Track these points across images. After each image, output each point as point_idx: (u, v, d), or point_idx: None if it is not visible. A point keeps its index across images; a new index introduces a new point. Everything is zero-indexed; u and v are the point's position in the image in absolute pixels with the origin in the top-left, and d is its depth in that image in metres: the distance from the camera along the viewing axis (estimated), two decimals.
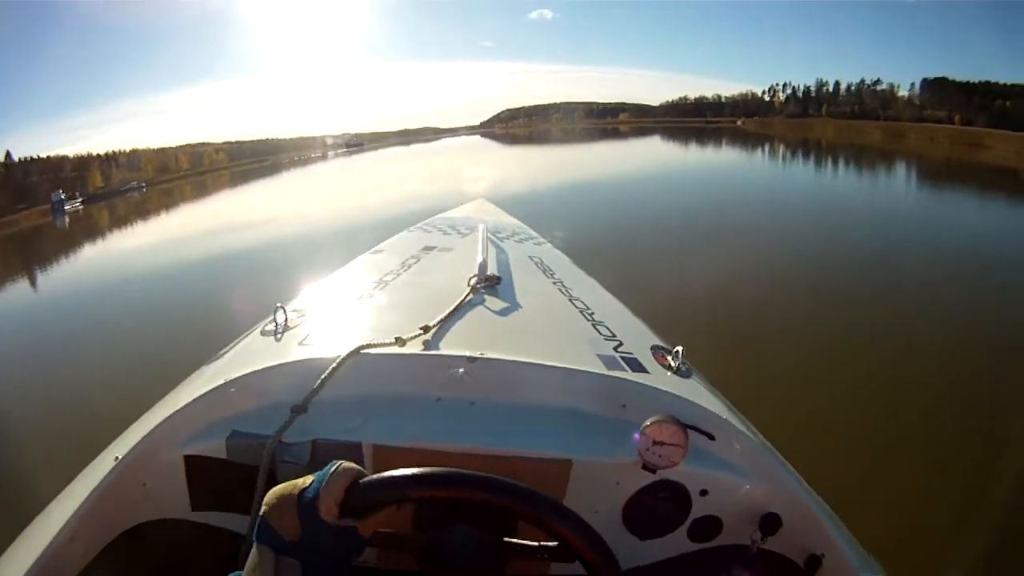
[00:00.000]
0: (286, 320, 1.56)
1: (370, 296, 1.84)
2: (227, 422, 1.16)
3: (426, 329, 1.36)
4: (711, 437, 1.14)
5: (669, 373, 1.41)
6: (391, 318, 1.58)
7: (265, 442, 1.09)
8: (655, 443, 1.06)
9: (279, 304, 1.59)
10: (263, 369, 1.23)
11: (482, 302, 1.69)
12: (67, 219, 30.28)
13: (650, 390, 1.24)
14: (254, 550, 0.72)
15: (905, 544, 2.49)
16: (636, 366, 1.38)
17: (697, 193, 16.60)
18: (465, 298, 1.64)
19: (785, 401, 3.80)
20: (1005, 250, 8.58)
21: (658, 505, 1.16)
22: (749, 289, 6.34)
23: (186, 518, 1.17)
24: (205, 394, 1.19)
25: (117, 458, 1.13)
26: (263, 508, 0.75)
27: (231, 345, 1.56)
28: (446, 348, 1.31)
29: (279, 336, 1.49)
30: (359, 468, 0.77)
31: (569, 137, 70.36)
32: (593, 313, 1.76)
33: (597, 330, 1.60)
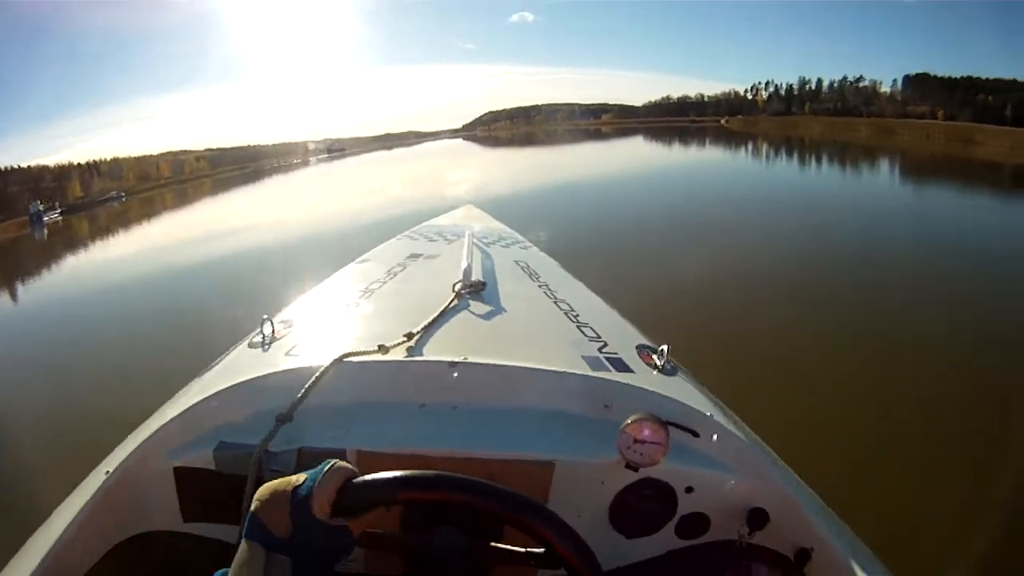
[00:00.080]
0: (273, 331, 1.57)
1: (356, 305, 1.86)
2: (214, 433, 1.17)
3: (410, 336, 1.38)
4: (695, 434, 1.16)
5: (654, 372, 1.43)
6: (376, 326, 1.60)
7: (252, 452, 1.09)
8: (636, 441, 1.07)
9: (266, 316, 1.60)
10: (248, 380, 1.24)
11: (467, 307, 1.70)
12: (46, 231, 30.00)
13: (633, 389, 1.25)
14: (243, 546, 0.72)
15: (899, 534, 2.50)
16: (621, 366, 1.40)
17: (681, 194, 16.62)
18: (450, 304, 1.66)
19: (774, 397, 3.83)
20: (993, 245, 8.68)
21: (643, 503, 1.17)
22: (736, 287, 6.40)
23: (178, 529, 1.17)
24: (192, 406, 1.20)
25: (108, 472, 1.13)
26: (254, 504, 0.75)
27: (219, 358, 1.57)
28: (430, 354, 1.33)
29: (266, 347, 1.50)
30: (352, 468, 0.78)
31: (552, 139, 70.52)
32: (578, 315, 1.77)
33: (582, 331, 1.62)
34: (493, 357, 1.29)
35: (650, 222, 10.89)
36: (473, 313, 1.67)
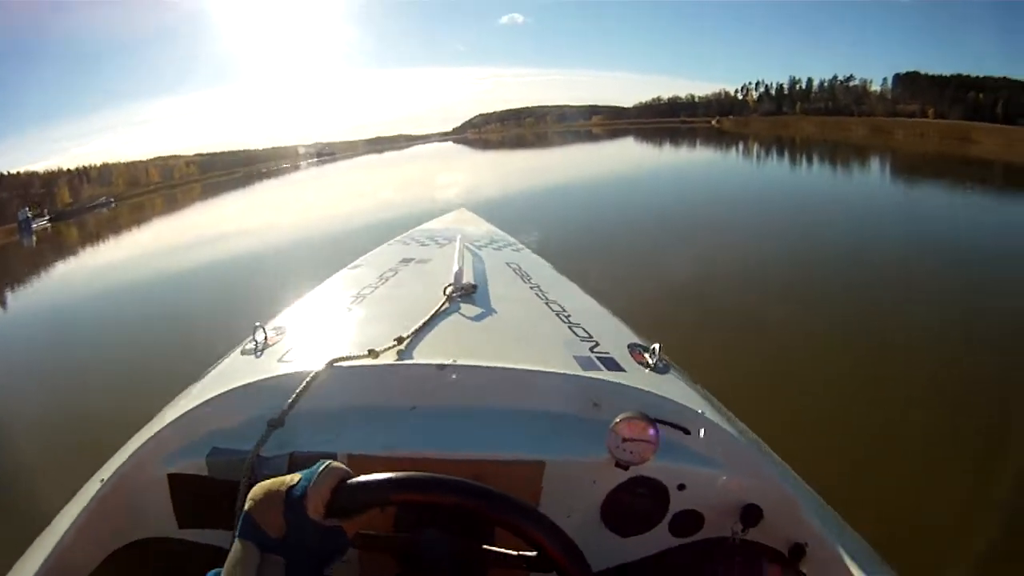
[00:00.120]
0: (266, 338, 1.58)
1: (348, 310, 1.86)
2: (207, 439, 1.17)
3: (400, 340, 1.38)
4: (685, 431, 1.16)
5: (646, 370, 1.43)
6: (368, 331, 1.59)
7: (244, 457, 1.10)
8: (625, 440, 1.07)
9: (258, 323, 1.61)
10: (240, 386, 1.25)
11: (457, 310, 1.70)
12: (34, 238, 29.86)
13: (623, 388, 1.26)
14: (237, 545, 0.72)
15: (895, 525, 2.50)
16: (612, 365, 1.40)
17: (673, 195, 16.52)
18: (440, 307, 1.66)
19: (769, 393, 3.85)
20: (983, 243, 8.75)
21: (636, 502, 1.17)
22: (729, 286, 6.42)
23: (173, 536, 1.18)
24: (185, 413, 1.21)
25: (103, 480, 1.14)
26: (248, 504, 0.75)
27: (213, 366, 1.58)
28: (420, 357, 1.33)
29: (259, 354, 1.50)
30: (346, 468, 0.78)
31: (542, 141, 70.61)
32: (570, 315, 1.78)
33: (573, 332, 1.63)
34: (483, 359, 1.30)
35: (642, 224, 10.87)
36: (464, 316, 1.68)
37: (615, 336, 1.67)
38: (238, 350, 1.59)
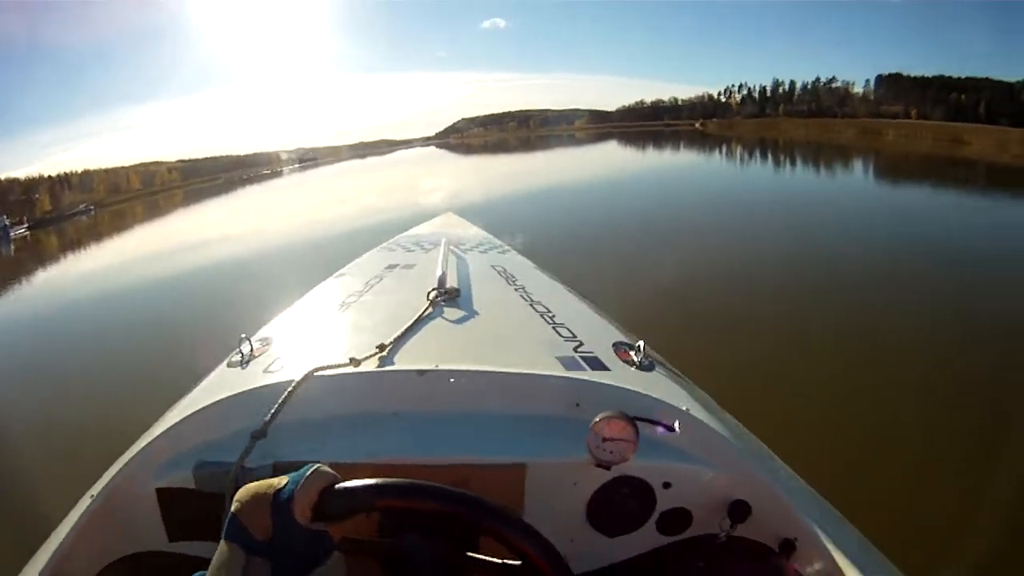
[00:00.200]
0: (252, 350, 1.57)
1: (333, 319, 1.86)
2: (193, 452, 1.17)
3: (382, 347, 1.37)
4: (669, 428, 1.13)
5: (632, 368, 1.41)
6: (351, 339, 1.59)
7: (230, 469, 1.09)
8: (605, 440, 1.05)
9: (243, 335, 1.60)
10: (224, 399, 1.24)
11: (441, 315, 1.69)
12: (12, 246, 29.54)
13: (603, 387, 1.24)
14: (222, 547, 0.72)
15: (889, 516, 2.53)
16: (596, 364, 1.39)
17: (656, 198, 16.40)
18: (423, 313, 1.65)
19: (761, 389, 3.90)
20: (969, 241, 8.88)
21: (621, 502, 1.16)
22: (716, 288, 6.48)
23: (164, 549, 1.18)
24: (171, 427, 1.21)
25: (93, 496, 1.14)
26: (234, 505, 0.74)
27: (200, 379, 1.57)
28: (402, 363, 1.32)
29: (244, 366, 1.49)
30: (334, 473, 0.78)
31: (525, 145, 70.60)
32: (554, 316, 1.76)
33: (557, 332, 1.61)
34: (465, 363, 1.29)
35: (626, 229, 10.66)
36: (447, 320, 1.67)
37: (600, 335, 1.66)
38: (225, 362, 1.59)
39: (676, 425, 1.14)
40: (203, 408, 1.23)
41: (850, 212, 12.65)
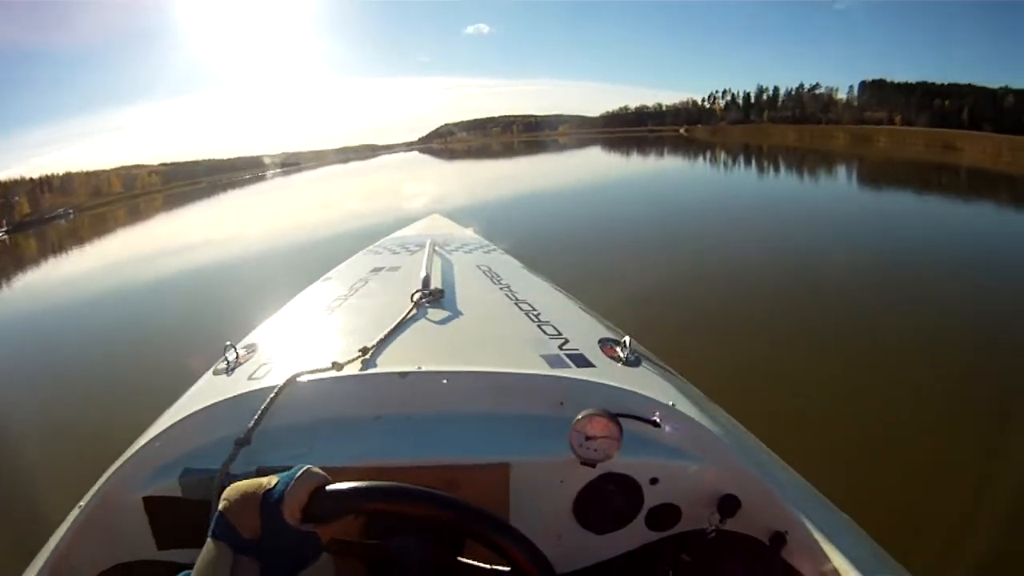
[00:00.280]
0: (237, 357, 1.57)
1: (318, 324, 1.85)
2: (179, 461, 1.17)
3: (365, 350, 1.37)
4: (655, 424, 1.14)
5: (618, 365, 1.41)
6: (335, 343, 1.59)
7: (215, 476, 1.09)
8: (588, 438, 1.05)
9: (229, 342, 1.60)
10: (209, 406, 1.25)
11: (425, 316, 1.69)
12: None
13: (587, 384, 1.25)
14: (209, 545, 0.71)
15: (885, 509, 2.60)
16: (582, 361, 1.39)
17: (643, 204, 16.07)
18: (407, 315, 1.65)
19: (755, 387, 3.95)
20: (951, 244, 9.14)
21: (608, 499, 1.15)
22: (708, 287, 6.65)
23: (153, 558, 1.17)
24: (156, 436, 1.21)
25: (81, 507, 1.14)
26: (221, 503, 0.73)
27: (188, 389, 1.56)
28: (385, 366, 1.32)
29: (230, 373, 1.49)
30: (324, 474, 0.77)
31: (508, 151, 70.23)
32: (539, 314, 1.76)
33: (542, 330, 1.61)
34: (449, 364, 1.30)
35: (610, 235, 10.71)
36: (431, 321, 1.67)
37: (586, 332, 1.65)
38: (211, 370, 1.59)
39: (660, 420, 1.15)
40: (188, 416, 1.24)
41: (849, 217, 12.81)
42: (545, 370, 1.32)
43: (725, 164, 32.81)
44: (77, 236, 28.66)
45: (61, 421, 4.53)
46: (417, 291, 1.83)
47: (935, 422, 3.57)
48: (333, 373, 1.29)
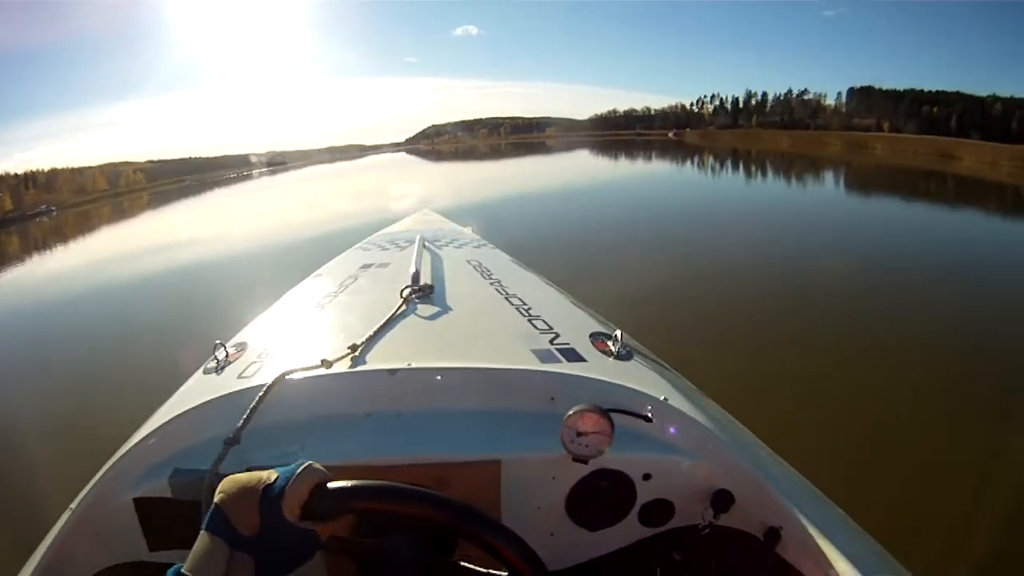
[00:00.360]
0: (227, 355, 1.55)
1: (308, 322, 1.84)
2: (169, 461, 1.16)
3: (354, 347, 1.36)
4: (646, 419, 1.13)
5: (609, 359, 1.40)
6: (325, 341, 1.57)
7: (204, 476, 1.08)
8: (579, 434, 1.04)
9: (218, 341, 1.58)
10: (198, 406, 1.24)
11: (414, 312, 1.68)
12: None
13: (578, 379, 1.23)
14: (204, 539, 0.68)
15: (878, 504, 2.62)
16: (573, 356, 1.37)
17: (638, 222, 15.60)
18: (397, 311, 1.63)
19: (749, 381, 4.02)
20: (948, 252, 9.28)
21: (600, 495, 1.14)
22: (700, 287, 6.76)
23: (144, 559, 1.16)
24: (145, 437, 1.20)
25: (71, 509, 1.13)
26: (218, 496, 0.71)
27: (177, 388, 1.55)
28: (374, 363, 1.31)
29: (220, 372, 1.48)
30: (325, 471, 0.76)
31: (496, 153, 70.25)
32: (530, 308, 1.75)
33: (533, 325, 1.59)
34: (439, 360, 1.28)
35: (600, 240, 10.53)
36: (421, 317, 1.65)
37: (577, 326, 1.63)
38: (201, 369, 1.57)
39: (652, 415, 1.14)
40: (177, 416, 1.22)
41: (847, 221, 13.02)
42: (536, 365, 1.30)
43: (717, 170, 32.71)
44: (60, 233, 28.43)
45: (49, 422, 4.47)
46: (407, 287, 1.81)
47: (928, 417, 3.64)
48: (322, 371, 1.28)
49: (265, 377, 1.29)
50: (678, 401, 1.22)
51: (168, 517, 1.13)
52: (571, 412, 1.04)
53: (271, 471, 0.74)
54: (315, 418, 1.22)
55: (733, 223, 12.39)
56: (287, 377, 1.26)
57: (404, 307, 1.69)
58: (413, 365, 1.26)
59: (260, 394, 1.21)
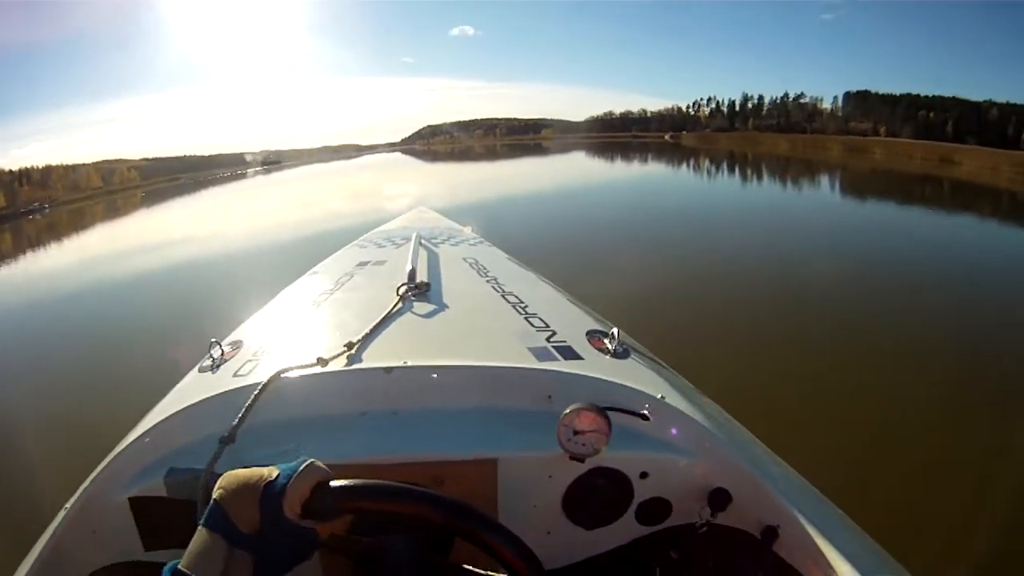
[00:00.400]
0: (222, 354, 1.54)
1: (303, 320, 1.83)
2: (164, 460, 1.15)
3: (350, 345, 1.35)
4: (643, 417, 1.12)
5: (606, 357, 1.40)
6: (321, 339, 1.56)
7: (199, 475, 1.08)
8: (576, 432, 1.04)
9: (214, 339, 1.58)
10: (193, 405, 1.23)
11: (410, 310, 1.67)
12: None
13: (576, 378, 1.23)
14: (202, 534, 0.68)
15: (876, 503, 2.62)
16: (569, 354, 1.37)
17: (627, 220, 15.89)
18: (393, 308, 1.63)
19: (748, 384, 3.98)
20: (946, 255, 9.27)
21: (597, 493, 1.14)
22: (696, 287, 6.81)
23: (140, 559, 1.16)
24: (140, 436, 1.20)
25: (67, 509, 1.13)
26: (217, 492, 0.70)
27: (173, 387, 1.55)
28: (370, 361, 1.30)
29: (215, 370, 1.47)
30: (327, 469, 0.75)
31: (492, 154, 70.17)
32: (527, 306, 1.74)
33: (530, 322, 1.59)
34: (435, 358, 1.28)
35: (592, 242, 10.53)
36: (417, 315, 1.65)
37: (574, 324, 1.63)
38: (196, 368, 1.57)
39: (649, 414, 1.13)
40: (172, 415, 1.22)
41: (847, 223, 13.05)
42: (533, 363, 1.30)
43: (714, 173, 32.31)
44: (54, 231, 28.23)
45: (44, 421, 4.42)
46: (403, 284, 1.80)
47: (925, 416, 3.66)
48: (318, 369, 1.28)
49: (260, 375, 1.28)
50: (675, 400, 1.22)
51: (163, 516, 1.13)
52: (568, 410, 1.04)
53: (272, 468, 0.73)
54: (311, 416, 1.21)
55: (731, 226, 12.40)
56: (283, 375, 1.25)
57: (400, 305, 1.68)
58: (409, 363, 1.25)
59: (255, 392, 1.21)
